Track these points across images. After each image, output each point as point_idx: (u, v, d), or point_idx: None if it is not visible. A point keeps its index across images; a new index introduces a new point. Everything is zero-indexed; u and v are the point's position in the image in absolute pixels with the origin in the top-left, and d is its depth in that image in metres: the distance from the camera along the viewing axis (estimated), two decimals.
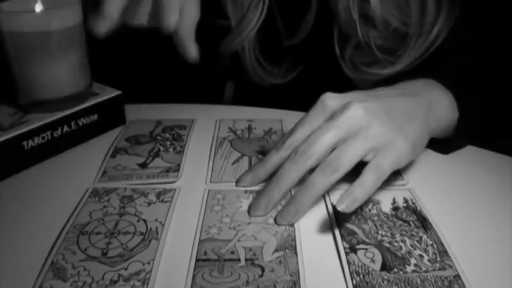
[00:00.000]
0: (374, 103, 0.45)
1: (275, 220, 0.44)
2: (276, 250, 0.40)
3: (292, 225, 0.43)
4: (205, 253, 0.40)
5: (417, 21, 0.56)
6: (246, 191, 0.48)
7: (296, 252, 0.40)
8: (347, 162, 0.43)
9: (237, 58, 0.68)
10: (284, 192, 0.45)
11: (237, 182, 0.49)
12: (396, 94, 0.49)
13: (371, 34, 0.58)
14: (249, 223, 0.43)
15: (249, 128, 0.60)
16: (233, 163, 0.53)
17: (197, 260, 0.39)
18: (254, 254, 0.40)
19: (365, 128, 0.44)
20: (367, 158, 0.43)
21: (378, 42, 0.59)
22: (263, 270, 0.38)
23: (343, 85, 0.52)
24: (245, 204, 0.46)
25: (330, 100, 0.46)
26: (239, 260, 0.39)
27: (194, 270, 0.38)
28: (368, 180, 0.42)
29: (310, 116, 0.47)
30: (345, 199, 0.40)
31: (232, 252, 0.40)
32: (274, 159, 0.47)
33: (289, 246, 0.41)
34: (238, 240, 0.41)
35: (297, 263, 0.39)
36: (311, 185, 0.43)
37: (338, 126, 0.44)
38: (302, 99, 0.51)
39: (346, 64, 0.62)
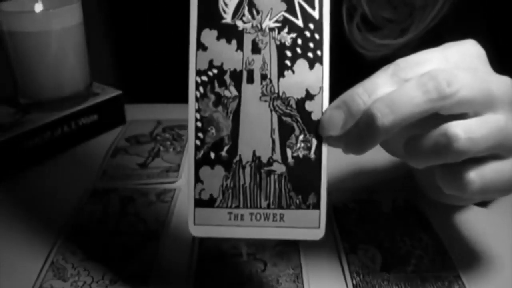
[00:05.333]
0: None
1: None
2: (277, 244, 0.40)
3: None
4: (207, 250, 0.40)
5: None
6: None
7: (297, 245, 0.40)
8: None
9: None
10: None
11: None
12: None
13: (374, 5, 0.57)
14: None
15: None
16: None
17: (199, 257, 0.39)
18: (256, 249, 0.40)
19: None
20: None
21: (385, 14, 0.58)
22: (265, 264, 0.38)
23: (353, 66, 0.50)
24: None
25: None
26: (241, 255, 0.39)
27: (197, 268, 0.38)
28: None
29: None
30: None
31: (234, 248, 0.40)
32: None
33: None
34: None
35: (299, 256, 0.39)
36: None
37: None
38: None
39: (355, 35, 0.60)
